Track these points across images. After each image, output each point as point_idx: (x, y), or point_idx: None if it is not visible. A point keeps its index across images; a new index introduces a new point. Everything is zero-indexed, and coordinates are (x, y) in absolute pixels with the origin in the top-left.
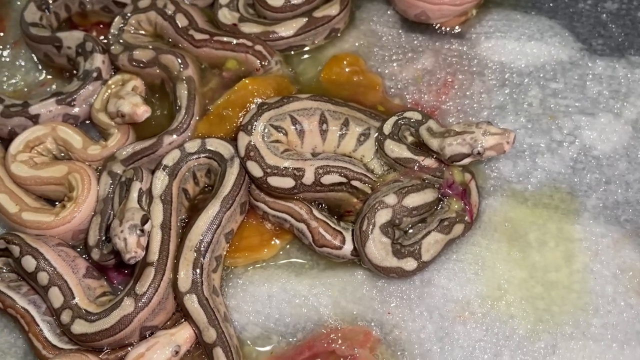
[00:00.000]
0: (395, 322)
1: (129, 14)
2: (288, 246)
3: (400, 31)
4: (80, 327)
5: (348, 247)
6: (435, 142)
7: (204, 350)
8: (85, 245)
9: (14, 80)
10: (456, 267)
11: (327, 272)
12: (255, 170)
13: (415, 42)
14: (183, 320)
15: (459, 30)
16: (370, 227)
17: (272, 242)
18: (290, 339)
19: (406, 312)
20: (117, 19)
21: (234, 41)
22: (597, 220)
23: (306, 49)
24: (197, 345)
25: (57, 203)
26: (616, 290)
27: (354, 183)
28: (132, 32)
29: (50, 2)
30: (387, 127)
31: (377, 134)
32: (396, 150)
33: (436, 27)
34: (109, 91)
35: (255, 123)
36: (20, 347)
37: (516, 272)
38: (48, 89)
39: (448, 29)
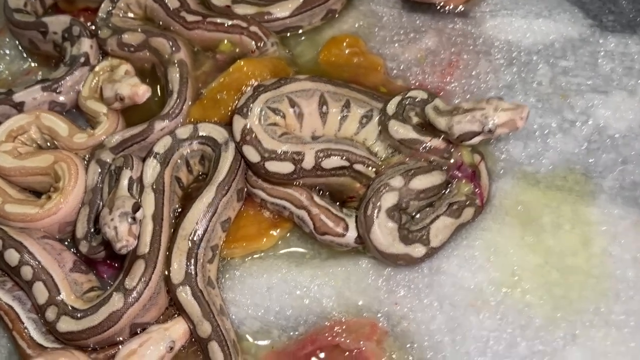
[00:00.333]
0: (403, 313)
1: None
2: (288, 235)
3: (401, 11)
4: (66, 324)
5: (351, 234)
6: (442, 121)
7: (198, 345)
8: (72, 238)
9: None
10: (467, 253)
11: (330, 261)
12: (252, 154)
13: (418, 22)
14: (177, 314)
15: (463, 8)
16: (376, 211)
17: (271, 232)
18: (292, 333)
19: (415, 302)
20: (105, 2)
21: (228, 22)
22: (614, 202)
23: (302, 30)
24: (192, 341)
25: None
26: (638, 275)
27: (357, 167)
28: (121, 15)
29: None
30: (391, 107)
31: (380, 115)
32: (401, 131)
33: (439, 6)
34: (97, 78)
35: (251, 105)
36: (4, 347)
37: (530, 258)
38: (33, 77)
39: (451, 7)
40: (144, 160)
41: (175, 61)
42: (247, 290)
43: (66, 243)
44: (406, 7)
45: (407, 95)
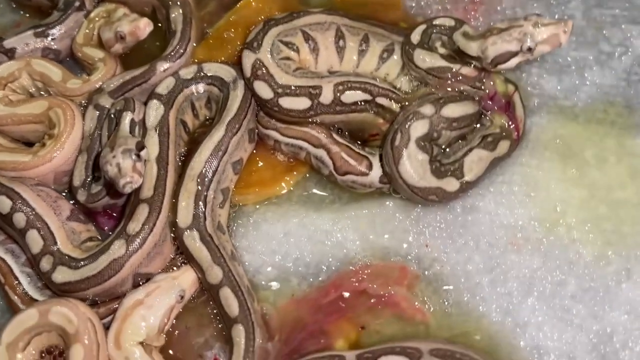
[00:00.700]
0: (435, 256)
1: None
2: (305, 178)
3: None
4: (62, 275)
5: (376, 173)
6: (474, 45)
7: (209, 294)
8: (69, 187)
9: None
10: (504, 189)
11: (352, 204)
12: (264, 91)
13: None
14: (184, 263)
15: None
16: (405, 141)
17: (286, 177)
18: (312, 280)
19: (448, 242)
20: None
21: None
22: None
23: None
24: (202, 290)
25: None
26: None
27: (380, 100)
28: None
29: None
30: (416, 37)
31: (404, 45)
32: (428, 59)
33: None
34: (92, 25)
35: (262, 39)
36: None
37: (575, 192)
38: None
39: None
40: (145, 103)
41: (178, 1)
42: (262, 237)
43: (63, 195)
44: None
45: (433, 23)
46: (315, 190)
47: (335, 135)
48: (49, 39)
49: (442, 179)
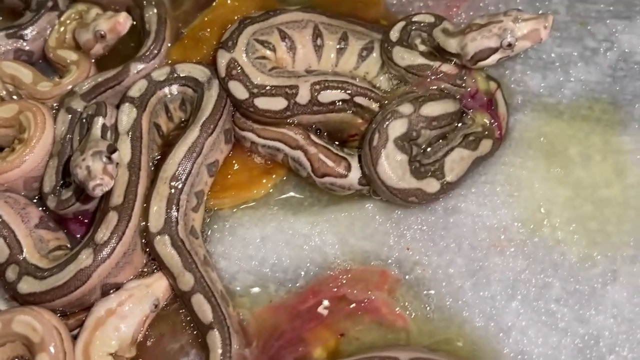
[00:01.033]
0: (416, 259)
1: None
2: (283, 181)
3: None
4: (28, 285)
5: (354, 174)
6: (453, 42)
7: (181, 300)
8: (40, 193)
9: None
10: (486, 189)
11: (331, 207)
12: (239, 91)
13: None
14: (156, 269)
15: None
16: (383, 141)
17: (263, 179)
18: (290, 286)
19: (429, 245)
20: None
21: None
22: None
23: None
24: (175, 298)
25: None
26: None
27: (358, 100)
28: None
29: None
30: (394, 34)
31: (383, 43)
32: (407, 57)
33: None
34: (64, 28)
35: (237, 38)
36: None
37: (559, 191)
38: None
39: None
40: (117, 107)
41: (152, 1)
42: (238, 242)
43: (34, 201)
44: None
45: (412, 20)
46: (293, 193)
47: (313, 136)
48: (22, 40)
49: (422, 179)
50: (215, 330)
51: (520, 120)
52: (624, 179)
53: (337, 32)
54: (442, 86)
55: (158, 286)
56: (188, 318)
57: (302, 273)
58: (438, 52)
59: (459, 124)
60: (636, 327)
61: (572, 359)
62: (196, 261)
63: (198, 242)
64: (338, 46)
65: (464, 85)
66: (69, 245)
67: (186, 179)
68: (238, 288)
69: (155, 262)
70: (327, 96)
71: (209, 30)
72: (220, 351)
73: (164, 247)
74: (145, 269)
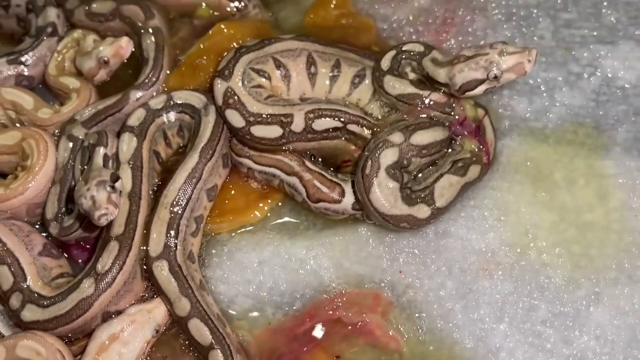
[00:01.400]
0: (408, 282)
1: None
2: (279, 206)
3: None
4: (31, 313)
5: (348, 199)
6: (442, 72)
7: (178, 325)
8: (42, 219)
9: None
10: (475, 214)
11: (326, 231)
12: (236, 119)
13: None
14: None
15: None
16: (375, 169)
17: (260, 204)
18: (287, 309)
19: (421, 269)
20: None
21: None
22: (629, 154)
23: None
24: (173, 323)
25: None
26: None
27: (351, 127)
28: None
29: None
30: (385, 63)
31: (374, 71)
32: (397, 86)
33: None
34: (61, 57)
35: (233, 67)
36: None
37: (545, 215)
38: None
39: None
40: (118, 135)
41: (150, 29)
42: (236, 266)
43: (36, 227)
44: None
45: (402, 49)
46: (289, 218)
47: (307, 163)
48: (22, 66)
49: (413, 206)
50: (217, 349)
51: (507, 145)
52: (606, 203)
53: (330, 59)
54: (432, 114)
55: (159, 312)
56: (187, 342)
57: (299, 296)
58: (428, 81)
59: (448, 150)
60: (618, 347)
61: None
62: (192, 286)
63: (194, 266)
64: (331, 74)
65: (452, 112)
66: (71, 273)
67: (186, 204)
68: (237, 312)
69: (153, 287)
70: (320, 124)
71: (205, 57)
72: None
73: (162, 272)
74: (145, 294)
